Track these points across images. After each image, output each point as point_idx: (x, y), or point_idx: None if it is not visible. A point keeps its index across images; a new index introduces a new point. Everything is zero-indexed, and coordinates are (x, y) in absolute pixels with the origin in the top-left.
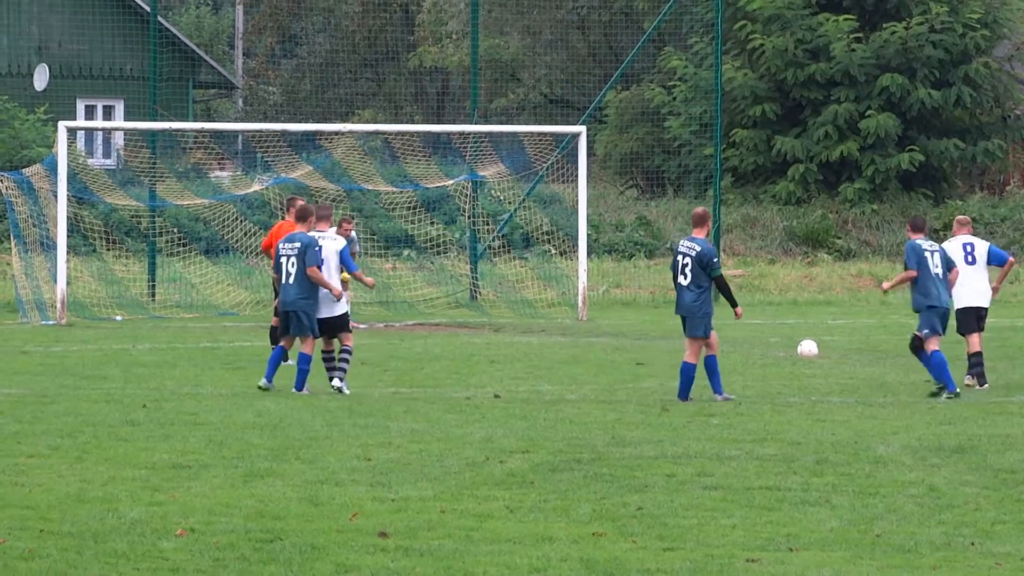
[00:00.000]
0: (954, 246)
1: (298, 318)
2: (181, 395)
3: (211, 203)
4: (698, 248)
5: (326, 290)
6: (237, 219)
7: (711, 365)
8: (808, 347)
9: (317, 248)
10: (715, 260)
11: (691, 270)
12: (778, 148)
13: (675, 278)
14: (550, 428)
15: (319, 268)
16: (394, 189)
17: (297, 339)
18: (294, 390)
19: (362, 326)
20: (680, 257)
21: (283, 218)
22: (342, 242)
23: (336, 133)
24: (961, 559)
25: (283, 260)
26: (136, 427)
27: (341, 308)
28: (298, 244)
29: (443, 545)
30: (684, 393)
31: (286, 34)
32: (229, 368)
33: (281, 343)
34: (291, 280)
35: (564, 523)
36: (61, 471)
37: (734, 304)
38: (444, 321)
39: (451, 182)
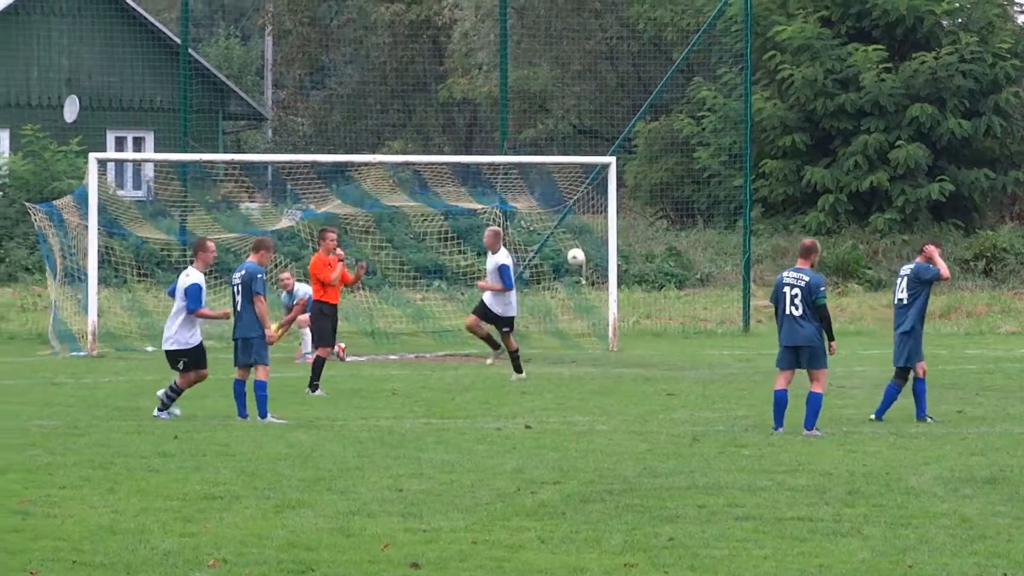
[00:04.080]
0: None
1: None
2: (212, 426)
3: (241, 236)
4: (807, 278)
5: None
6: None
7: (811, 401)
8: (576, 254)
9: (260, 277)
10: (822, 289)
11: (801, 300)
12: (808, 178)
13: (780, 310)
14: (581, 459)
15: (263, 298)
16: (429, 210)
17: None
18: (259, 419)
19: (393, 356)
20: (787, 289)
21: (314, 250)
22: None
23: (366, 164)
24: None
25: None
26: (168, 458)
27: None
28: (243, 273)
29: None
30: (810, 422)
31: (315, 65)
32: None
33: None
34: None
35: (596, 554)
36: (93, 502)
37: (831, 337)
38: (475, 352)
39: (481, 207)
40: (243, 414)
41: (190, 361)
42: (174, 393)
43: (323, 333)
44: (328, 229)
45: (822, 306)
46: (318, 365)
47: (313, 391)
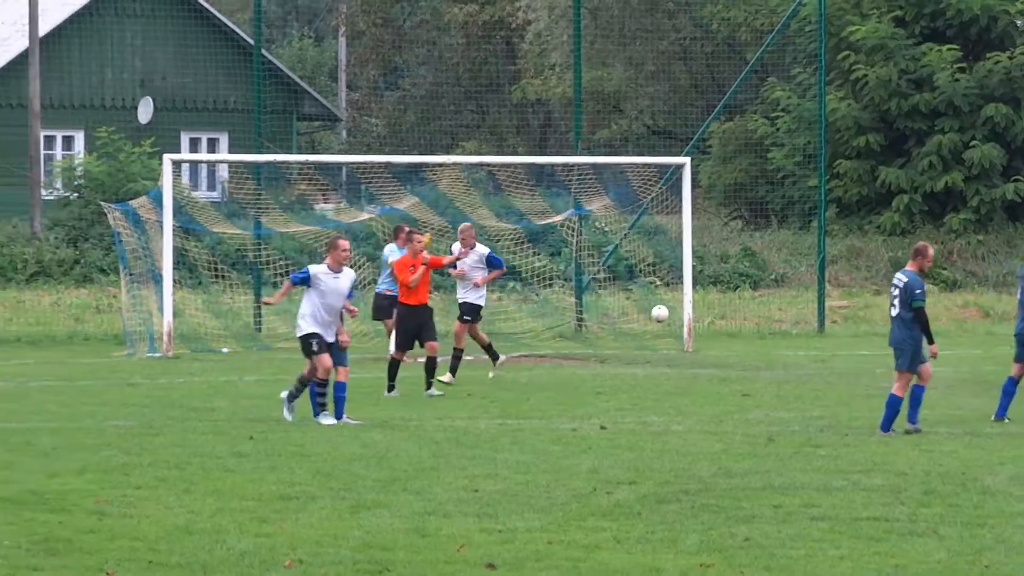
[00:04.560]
0: None
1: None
2: (288, 427)
3: (317, 232)
4: (905, 279)
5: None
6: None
7: (916, 394)
8: (659, 312)
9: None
10: (918, 292)
11: (899, 301)
12: (882, 179)
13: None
14: (657, 459)
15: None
16: (504, 225)
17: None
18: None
19: (468, 357)
20: (893, 289)
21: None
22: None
23: (440, 164)
24: None
25: None
26: (243, 458)
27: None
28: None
29: None
30: (886, 425)
31: (389, 66)
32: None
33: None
34: None
35: (672, 554)
36: (169, 502)
37: (931, 340)
38: (550, 353)
39: (559, 217)
40: (338, 415)
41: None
42: (323, 396)
43: (403, 335)
44: (417, 232)
45: (918, 308)
46: (393, 367)
47: (388, 392)
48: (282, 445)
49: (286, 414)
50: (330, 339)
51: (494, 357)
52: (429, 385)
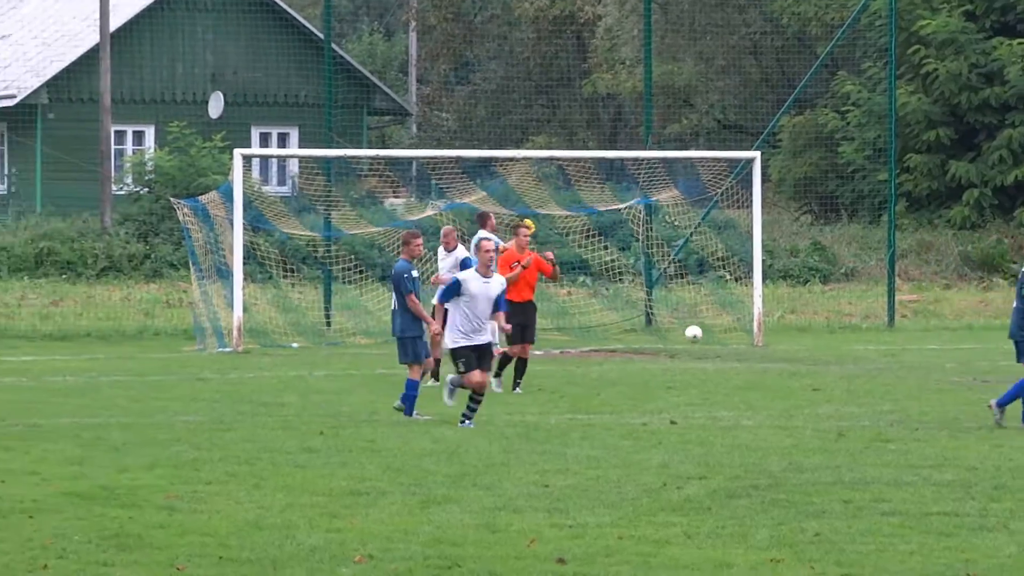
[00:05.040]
0: None
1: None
2: (358, 422)
3: (387, 230)
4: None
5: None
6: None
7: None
8: (692, 331)
9: (407, 276)
10: None
11: (1017, 292)
12: (952, 173)
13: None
14: (727, 454)
15: (415, 296)
16: (568, 213)
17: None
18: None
19: (537, 352)
20: (1020, 277)
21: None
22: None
23: (510, 159)
24: None
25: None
26: (313, 454)
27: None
28: (392, 273)
29: (621, 571)
30: None
31: (459, 61)
32: None
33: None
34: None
35: (742, 549)
36: (239, 498)
37: None
38: (620, 347)
39: (623, 205)
40: (408, 413)
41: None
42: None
43: (514, 330)
44: (522, 224)
45: None
46: (503, 362)
47: (513, 387)
48: (352, 440)
49: (447, 398)
50: (483, 340)
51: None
52: (516, 385)
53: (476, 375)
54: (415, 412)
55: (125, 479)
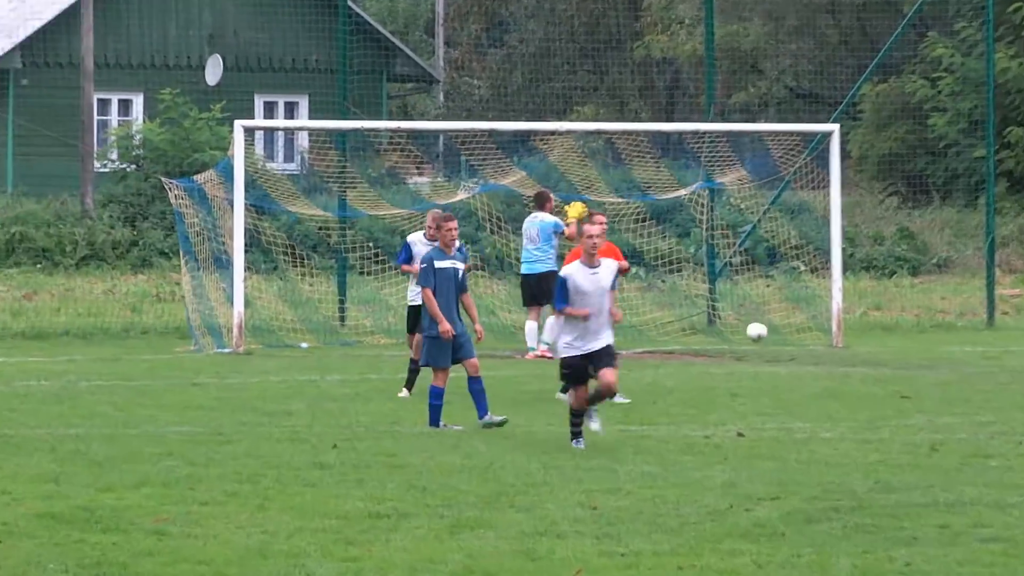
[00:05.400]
0: None
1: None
2: (377, 433)
3: (410, 213)
4: None
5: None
6: None
7: None
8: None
9: (424, 265)
10: None
11: None
12: None
13: None
14: (802, 471)
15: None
16: (619, 200)
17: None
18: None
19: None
20: None
21: (492, 231)
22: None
23: (552, 133)
24: None
25: None
26: (326, 470)
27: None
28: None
29: None
30: None
31: (493, 20)
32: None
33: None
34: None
35: None
36: (240, 521)
37: None
38: (678, 349)
39: (685, 191)
40: (434, 421)
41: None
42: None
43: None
44: (596, 212)
45: None
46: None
47: (564, 392)
48: (371, 455)
49: (594, 425)
50: (600, 345)
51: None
52: (565, 389)
53: (582, 392)
54: (442, 422)
55: (108, 499)
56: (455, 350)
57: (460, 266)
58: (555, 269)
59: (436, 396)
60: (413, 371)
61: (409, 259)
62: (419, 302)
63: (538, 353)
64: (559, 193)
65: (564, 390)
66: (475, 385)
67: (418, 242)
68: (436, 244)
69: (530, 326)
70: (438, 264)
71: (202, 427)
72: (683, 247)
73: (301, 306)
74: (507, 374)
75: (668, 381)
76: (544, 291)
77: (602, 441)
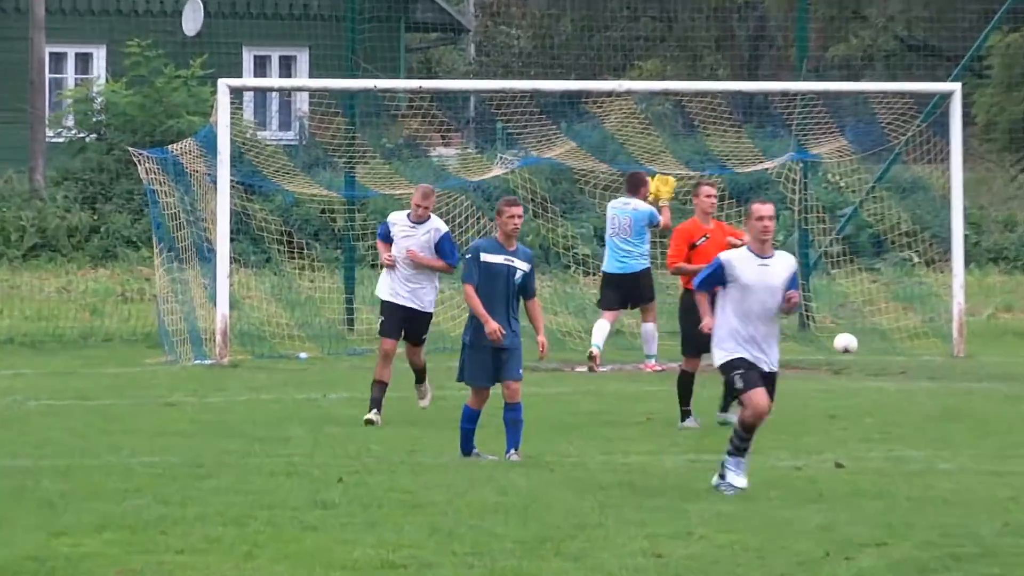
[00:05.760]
0: None
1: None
2: (392, 465)
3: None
4: None
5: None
6: (471, 215)
7: None
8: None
9: (469, 256)
10: None
11: None
12: None
13: None
14: (915, 511)
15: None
16: (691, 173)
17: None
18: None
19: (651, 365)
20: None
21: (536, 215)
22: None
23: (608, 94)
24: None
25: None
26: (329, 510)
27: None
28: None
29: None
30: None
31: None
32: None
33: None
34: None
35: None
36: (224, 572)
37: None
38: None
39: (772, 165)
40: (466, 448)
41: None
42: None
43: (692, 336)
44: (706, 182)
45: None
46: (685, 384)
47: (683, 420)
48: (384, 492)
49: (734, 475)
50: (768, 359)
51: (421, 384)
52: (686, 414)
53: (759, 396)
54: (475, 450)
55: (62, 546)
56: (497, 367)
57: (521, 266)
58: (650, 267)
59: (469, 419)
60: (376, 390)
61: (386, 239)
62: (387, 296)
63: (655, 366)
64: (619, 163)
65: (725, 407)
66: (511, 414)
67: (399, 223)
68: (424, 221)
69: (603, 324)
70: (486, 257)
71: (177, 457)
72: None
73: (299, 307)
74: (553, 391)
75: None
76: (639, 293)
77: (670, 472)
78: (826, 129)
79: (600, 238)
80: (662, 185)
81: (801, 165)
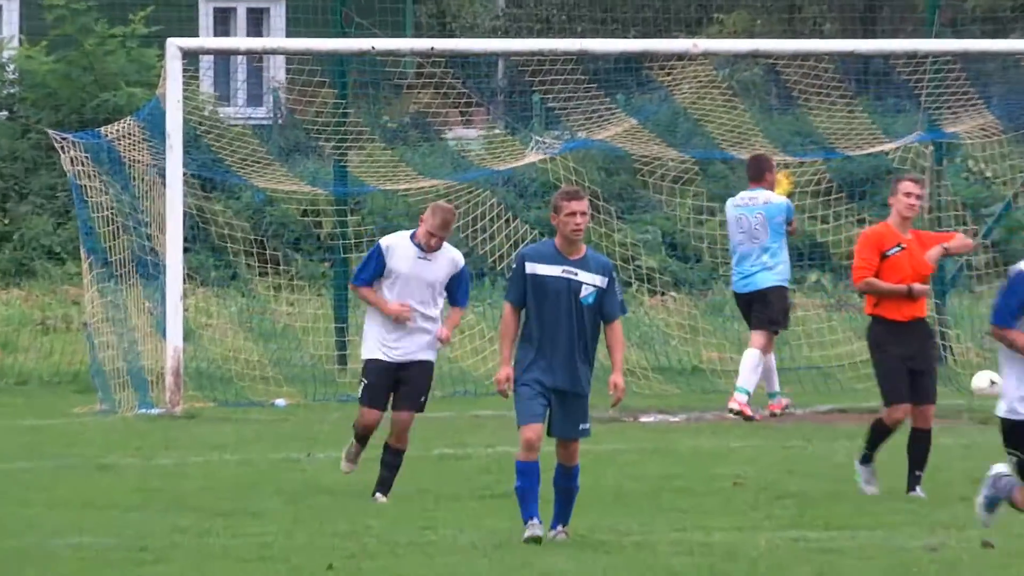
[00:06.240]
0: None
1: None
2: (398, 547)
3: (449, 186)
4: None
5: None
6: (498, 216)
7: None
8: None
9: (516, 267)
10: None
11: None
12: None
13: None
14: None
15: None
16: (791, 160)
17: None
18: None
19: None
20: None
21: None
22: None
23: (680, 56)
24: None
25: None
26: None
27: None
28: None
29: None
30: None
31: None
32: (486, 496)
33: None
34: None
35: None
36: None
37: None
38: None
39: (894, 146)
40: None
41: None
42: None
43: (895, 376)
44: (909, 177)
45: None
46: (878, 432)
47: (862, 461)
48: None
49: (983, 515)
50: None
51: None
52: (867, 458)
53: None
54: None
55: None
56: (555, 421)
57: (590, 280)
58: (787, 286)
59: (522, 475)
60: (389, 467)
61: (377, 275)
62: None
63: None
64: (695, 147)
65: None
66: (564, 480)
67: (398, 247)
68: (437, 251)
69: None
70: (536, 268)
71: (114, 537)
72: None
73: (275, 339)
74: (610, 448)
75: None
76: (774, 315)
77: (763, 554)
78: (966, 101)
79: (671, 245)
80: (776, 185)
81: (933, 148)
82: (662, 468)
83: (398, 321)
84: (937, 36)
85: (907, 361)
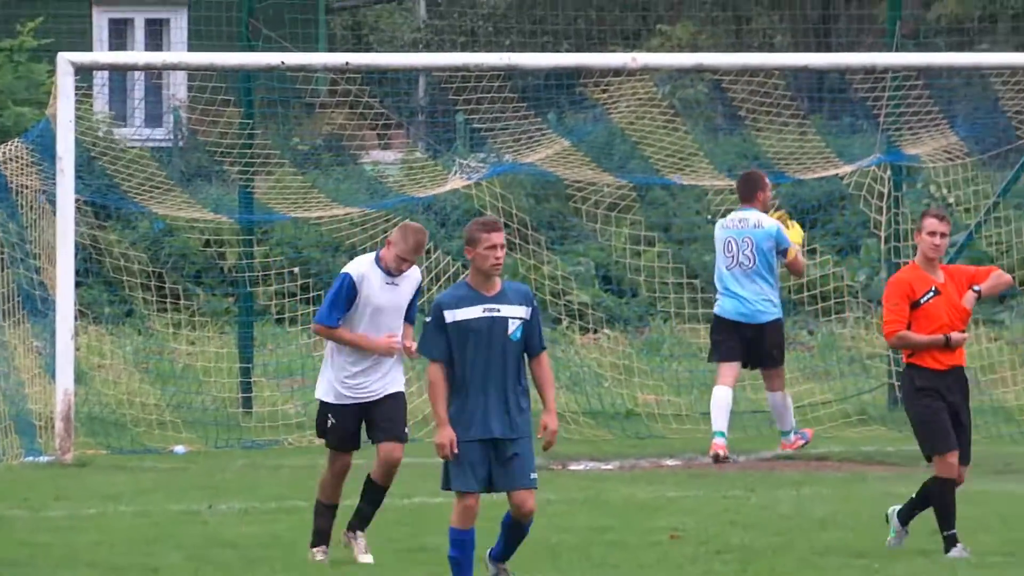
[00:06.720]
0: None
1: None
2: None
3: (365, 214)
4: None
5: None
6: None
7: None
8: None
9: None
10: None
11: None
12: None
13: None
14: None
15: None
16: (731, 183)
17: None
18: None
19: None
20: None
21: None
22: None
23: (616, 72)
24: None
25: None
26: None
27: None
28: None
29: None
30: None
31: None
32: (402, 550)
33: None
34: None
35: None
36: None
37: None
38: (838, 452)
39: (850, 170)
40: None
41: None
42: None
43: (940, 428)
44: (932, 212)
45: None
46: (938, 496)
47: (948, 549)
48: None
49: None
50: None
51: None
52: (951, 541)
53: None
54: None
55: None
56: (499, 473)
57: (514, 313)
58: (782, 319)
59: (458, 545)
60: (373, 503)
61: (348, 307)
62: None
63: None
64: (635, 171)
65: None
66: (516, 532)
67: (368, 275)
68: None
69: (722, 395)
70: (455, 315)
71: None
72: (845, 270)
73: (175, 380)
74: (538, 497)
75: (818, 510)
76: (763, 352)
77: None
78: (928, 121)
79: (605, 278)
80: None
81: (891, 171)
82: (593, 520)
83: (387, 355)
84: (898, 49)
85: (947, 401)
